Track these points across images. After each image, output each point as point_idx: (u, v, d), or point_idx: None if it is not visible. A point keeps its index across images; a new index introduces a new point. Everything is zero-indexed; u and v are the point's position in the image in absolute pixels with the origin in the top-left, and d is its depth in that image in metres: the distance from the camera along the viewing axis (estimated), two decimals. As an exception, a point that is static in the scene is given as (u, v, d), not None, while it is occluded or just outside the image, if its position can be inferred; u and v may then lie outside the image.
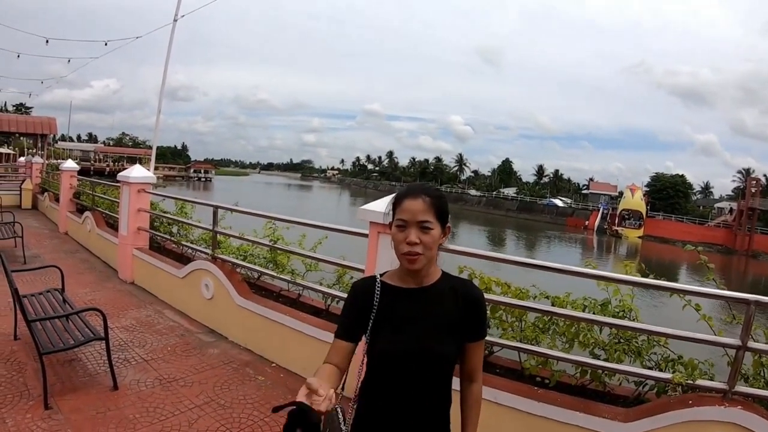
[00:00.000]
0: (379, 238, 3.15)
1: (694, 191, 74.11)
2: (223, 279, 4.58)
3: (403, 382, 1.36)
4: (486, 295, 2.39)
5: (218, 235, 4.88)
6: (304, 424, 0.96)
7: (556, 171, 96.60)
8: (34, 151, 20.04)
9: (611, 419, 2.48)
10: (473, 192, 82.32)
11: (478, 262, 3.15)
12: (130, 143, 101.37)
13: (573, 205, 65.28)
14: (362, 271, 3.45)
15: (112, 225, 7.52)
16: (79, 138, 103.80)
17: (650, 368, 2.68)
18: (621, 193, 60.42)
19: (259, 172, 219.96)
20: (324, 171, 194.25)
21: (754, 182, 50.06)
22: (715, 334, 2.48)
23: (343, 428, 1.41)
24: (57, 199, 10.56)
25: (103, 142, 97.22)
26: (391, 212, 1.40)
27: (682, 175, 65.33)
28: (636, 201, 51.88)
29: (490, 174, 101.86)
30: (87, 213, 8.26)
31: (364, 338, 1.42)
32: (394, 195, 1.44)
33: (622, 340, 2.74)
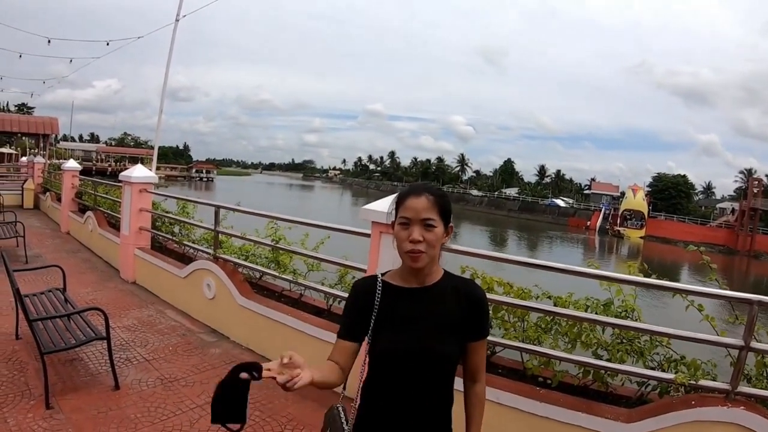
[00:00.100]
0: (382, 238, 3.15)
1: (696, 191, 73.91)
2: (225, 279, 4.58)
3: (405, 381, 1.36)
4: (488, 295, 2.38)
5: (220, 234, 4.88)
6: (246, 370, 1.01)
7: (558, 171, 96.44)
8: (36, 151, 20.12)
9: (614, 420, 2.47)
10: (475, 192, 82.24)
11: (480, 262, 3.15)
12: (132, 143, 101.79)
13: (575, 206, 65.12)
14: (364, 270, 3.44)
15: (114, 225, 7.53)
16: (81, 138, 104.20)
17: (653, 368, 2.67)
18: (623, 194, 60.36)
19: (260, 172, 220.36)
20: (326, 171, 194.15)
21: (756, 182, 49.84)
22: (718, 335, 2.47)
23: (345, 428, 1.41)
24: (59, 199, 10.58)
25: (105, 142, 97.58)
26: (394, 211, 1.39)
27: (684, 176, 65.31)
28: (638, 201, 51.80)
29: (491, 174, 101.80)
30: (89, 213, 8.27)
31: (366, 339, 1.41)
32: (397, 194, 1.44)
33: (624, 341, 2.73)
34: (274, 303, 4.30)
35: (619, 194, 65.40)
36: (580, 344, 2.80)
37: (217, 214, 4.81)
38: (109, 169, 49.90)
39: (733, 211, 52.55)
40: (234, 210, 4.88)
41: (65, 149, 52.36)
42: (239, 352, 4.22)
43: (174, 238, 6.06)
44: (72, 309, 3.75)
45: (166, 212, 6.40)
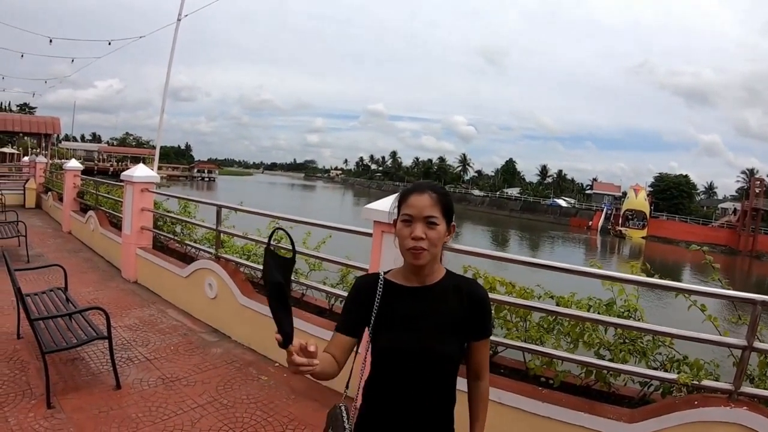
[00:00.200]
0: (383, 237, 3.14)
1: (698, 191, 73.74)
2: (227, 278, 4.58)
3: (405, 381, 1.35)
4: (490, 295, 2.36)
5: (222, 234, 4.88)
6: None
7: (560, 171, 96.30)
8: (38, 150, 20.12)
9: (616, 420, 2.46)
10: (476, 192, 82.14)
11: (483, 262, 3.14)
12: (134, 143, 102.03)
13: (576, 206, 65.06)
14: (366, 270, 3.43)
15: (116, 224, 7.52)
16: (82, 138, 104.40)
17: (655, 368, 2.66)
18: (624, 194, 60.33)
19: (262, 172, 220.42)
20: (327, 171, 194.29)
21: (758, 183, 49.71)
22: (721, 335, 2.46)
23: (347, 426, 1.40)
24: (61, 199, 10.60)
25: (107, 142, 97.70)
26: (396, 209, 1.39)
27: (686, 176, 65.22)
28: (639, 201, 51.75)
29: (493, 174, 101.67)
30: (90, 212, 8.29)
31: (367, 337, 1.41)
32: (399, 192, 1.43)
33: (627, 340, 2.72)
34: (276, 302, 4.28)
35: (620, 194, 65.39)
36: (582, 344, 2.79)
37: (218, 213, 4.82)
38: (111, 168, 50.10)
39: (735, 211, 52.41)
40: (235, 209, 4.88)
41: (67, 149, 52.48)
42: (241, 351, 4.22)
43: (176, 238, 6.06)
44: (73, 308, 3.75)
45: (168, 212, 6.40)
